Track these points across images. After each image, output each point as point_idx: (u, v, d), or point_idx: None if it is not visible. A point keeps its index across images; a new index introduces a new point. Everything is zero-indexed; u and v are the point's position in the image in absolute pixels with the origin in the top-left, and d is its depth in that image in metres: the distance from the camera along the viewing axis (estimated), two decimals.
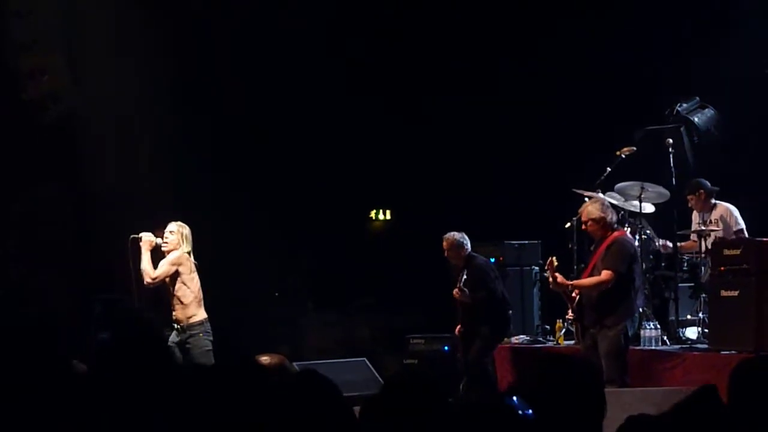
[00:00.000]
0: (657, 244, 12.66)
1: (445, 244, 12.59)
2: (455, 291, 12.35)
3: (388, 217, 17.90)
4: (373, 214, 17.89)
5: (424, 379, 4.16)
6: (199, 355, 10.71)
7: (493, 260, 13.11)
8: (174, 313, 10.90)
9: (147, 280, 10.84)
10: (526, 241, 14.25)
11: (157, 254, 11.02)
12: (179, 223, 11.04)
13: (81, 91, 14.91)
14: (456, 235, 12.57)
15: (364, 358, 12.84)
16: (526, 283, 14.10)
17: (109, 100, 14.59)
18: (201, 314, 10.91)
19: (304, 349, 15.63)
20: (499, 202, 15.19)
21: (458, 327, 12.60)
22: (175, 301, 10.89)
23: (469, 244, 12.57)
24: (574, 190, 12.59)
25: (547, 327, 13.59)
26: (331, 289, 16.16)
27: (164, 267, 10.92)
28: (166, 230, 10.97)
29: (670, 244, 12.58)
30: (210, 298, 11.13)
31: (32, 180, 14.96)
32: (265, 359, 7.18)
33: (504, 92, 15.47)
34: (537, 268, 13.98)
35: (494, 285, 12.47)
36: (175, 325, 10.90)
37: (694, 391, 4.10)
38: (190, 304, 10.88)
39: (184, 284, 10.90)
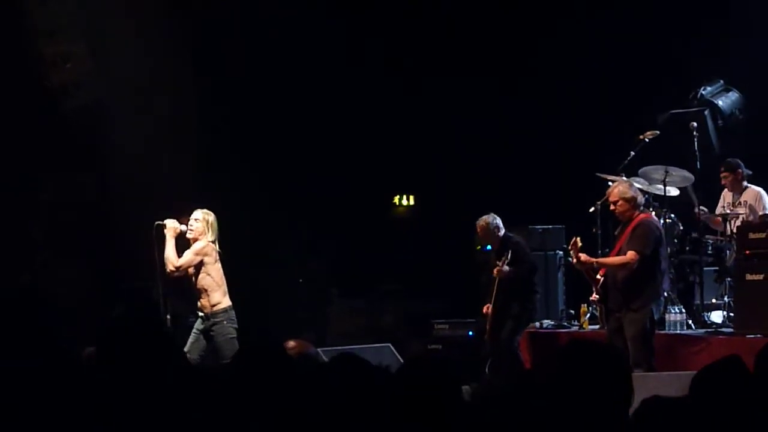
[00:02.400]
0: (696, 210, 12.48)
1: (479, 230, 12.51)
2: (496, 270, 12.22)
3: (412, 202, 17.86)
4: (396, 199, 17.85)
5: (440, 364, 4.16)
6: (223, 342, 10.67)
7: None
8: (199, 301, 10.88)
9: (170, 268, 10.74)
10: (550, 226, 14.22)
11: (182, 241, 10.98)
12: (205, 210, 10.92)
13: (103, 79, 14.91)
14: (488, 218, 12.45)
15: (389, 344, 12.82)
16: (550, 267, 14.08)
17: (130, 88, 14.58)
18: (225, 302, 10.85)
19: (328, 335, 15.65)
20: (523, 186, 15.15)
21: (487, 306, 12.51)
22: (200, 290, 10.84)
23: (501, 224, 12.48)
24: (598, 174, 12.55)
25: (572, 311, 13.59)
26: (356, 275, 16.14)
27: (188, 257, 10.83)
28: (191, 218, 10.87)
29: (705, 209, 12.46)
30: (234, 285, 11.10)
31: (56, 167, 14.99)
32: (291, 345, 7.24)
33: (527, 76, 15.42)
34: (561, 252, 13.96)
35: (534, 261, 12.51)
36: (200, 313, 10.89)
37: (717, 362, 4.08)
38: (215, 292, 10.81)
39: (208, 274, 10.83)
